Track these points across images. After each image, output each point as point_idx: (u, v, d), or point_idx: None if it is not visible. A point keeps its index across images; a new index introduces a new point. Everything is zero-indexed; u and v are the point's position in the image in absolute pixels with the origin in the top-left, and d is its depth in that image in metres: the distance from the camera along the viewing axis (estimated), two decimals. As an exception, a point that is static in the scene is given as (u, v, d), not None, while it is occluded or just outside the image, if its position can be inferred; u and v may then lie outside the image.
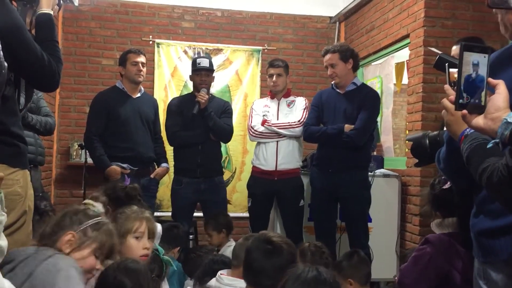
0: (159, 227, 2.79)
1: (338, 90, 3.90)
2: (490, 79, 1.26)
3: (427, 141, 1.94)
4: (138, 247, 2.14)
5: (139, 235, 2.15)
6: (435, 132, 1.96)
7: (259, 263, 1.98)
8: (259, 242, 2.05)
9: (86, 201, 1.86)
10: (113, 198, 2.82)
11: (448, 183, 2.18)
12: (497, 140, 1.22)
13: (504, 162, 1.23)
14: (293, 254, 2.09)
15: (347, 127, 3.72)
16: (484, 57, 1.26)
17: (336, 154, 3.76)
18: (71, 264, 1.57)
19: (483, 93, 1.25)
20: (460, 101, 1.26)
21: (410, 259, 2.26)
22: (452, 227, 2.20)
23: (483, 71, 1.25)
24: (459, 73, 1.26)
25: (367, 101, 3.77)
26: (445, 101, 1.38)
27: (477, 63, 1.25)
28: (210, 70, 4.10)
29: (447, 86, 1.37)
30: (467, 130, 1.40)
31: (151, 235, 2.24)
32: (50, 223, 1.71)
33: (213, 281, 2.31)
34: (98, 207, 1.81)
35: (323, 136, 3.83)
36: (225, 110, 4.18)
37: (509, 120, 1.18)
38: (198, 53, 5.74)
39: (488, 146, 1.26)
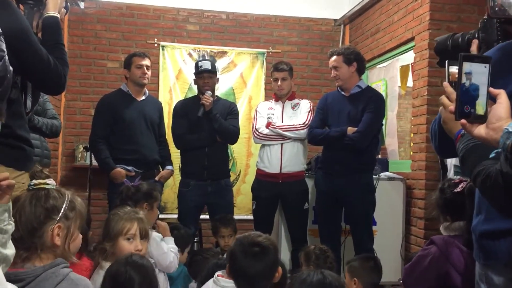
0: (173, 257, 2.76)
1: (343, 93, 3.90)
2: (491, 89, 1.26)
3: (450, 43, 1.92)
4: (130, 249, 2.13)
5: (130, 236, 2.14)
6: (459, 35, 1.92)
7: (253, 268, 1.98)
8: (245, 246, 2.02)
9: (37, 181, 1.65)
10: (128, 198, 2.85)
11: (460, 186, 2.18)
12: (499, 150, 1.22)
13: (498, 168, 1.24)
14: (277, 248, 2.12)
15: (350, 129, 3.71)
16: (485, 66, 1.26)
17: (340, 157, 3.75)
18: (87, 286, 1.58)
19: (484, 103, 1.25)
20: (465, 110, 1.26)
21: (414, 258, 2.29)
22: (459, 230, 2.21)
23: (482, 80, 1.25)
24: (458, 83, 1.26)
25: (371, 103, 3.77)
26: (443, 99, 1.38)
27: (470, 71, 1.25)
28: (212, 72, 4.09)
29: (446, 83, 1.37)
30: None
31: (144, 235, 2.22)
32: (22, 222, 1.57)
33: (210, 283, 2.32)
34: (52, 182, 1.71)
35: (326, 139, 3.84)
36: (231, 111, 4.18)
37: (510, 130, 1.18)
38: (203, 55, 5.75)
39: (490, 156, 1.27)
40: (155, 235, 2.81)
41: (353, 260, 2.93)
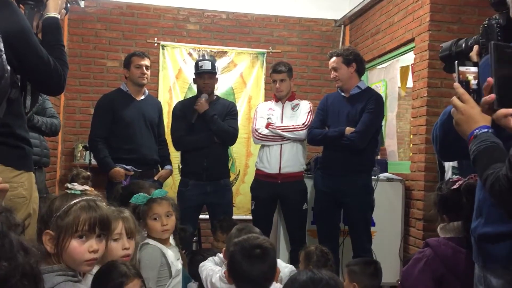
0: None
1: (342, 94, 3.91)
2: None
3: (454, 49, 1.92)
4: (118, 248, 2.08)
5: (117, 236, 2.10)
6: (463, 41, 1.90)
7: (256, 271, 1.99)
8: (246, 250, 2.02)
9: (66, 185, 1.69)
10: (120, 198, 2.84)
11: (457, 184, 2.18)
12: None
13: (504, 173, 1.23)
14: (275, 248, 2.14)
15: (348, 129, 3.72)
16: None
17: (339, 158, 3.76)
18: None
19: None
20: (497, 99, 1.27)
21: (410, 261, 2.28)
22: (454, 231, 2.19)
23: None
24: (494, 72, 1.26)
25: (370, 104, 3.77)
26: (455, 100, 1.36)
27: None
28: (212, 73, 4.08)
29: (456, 84, 1.36)
30: (477, 130, 1.39)
31: (131, 234, 2.20)
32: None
33: (215, 279, 2.32)
34: (75, 187, 1.67)
35: (324, 139, 3.85)
36: (230, 111, 4.16)
37: None
38: (203, 55, 5.75)
39: None
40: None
41: (354, 264, 2.90)
